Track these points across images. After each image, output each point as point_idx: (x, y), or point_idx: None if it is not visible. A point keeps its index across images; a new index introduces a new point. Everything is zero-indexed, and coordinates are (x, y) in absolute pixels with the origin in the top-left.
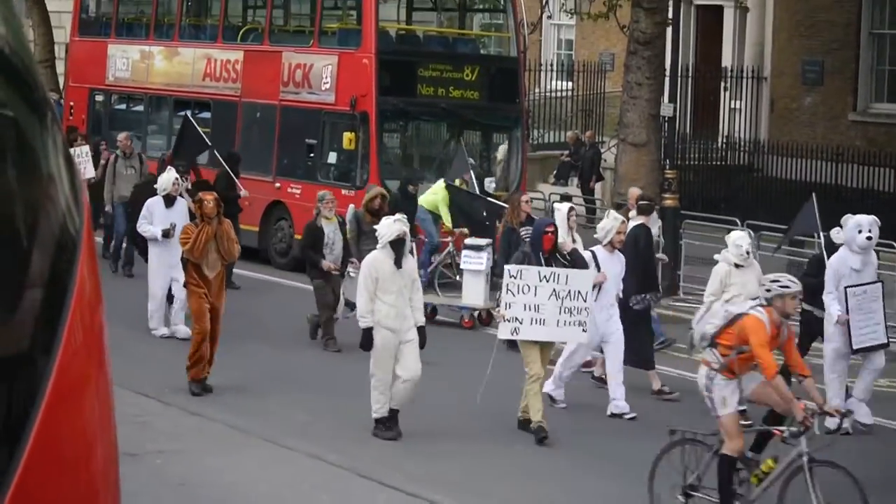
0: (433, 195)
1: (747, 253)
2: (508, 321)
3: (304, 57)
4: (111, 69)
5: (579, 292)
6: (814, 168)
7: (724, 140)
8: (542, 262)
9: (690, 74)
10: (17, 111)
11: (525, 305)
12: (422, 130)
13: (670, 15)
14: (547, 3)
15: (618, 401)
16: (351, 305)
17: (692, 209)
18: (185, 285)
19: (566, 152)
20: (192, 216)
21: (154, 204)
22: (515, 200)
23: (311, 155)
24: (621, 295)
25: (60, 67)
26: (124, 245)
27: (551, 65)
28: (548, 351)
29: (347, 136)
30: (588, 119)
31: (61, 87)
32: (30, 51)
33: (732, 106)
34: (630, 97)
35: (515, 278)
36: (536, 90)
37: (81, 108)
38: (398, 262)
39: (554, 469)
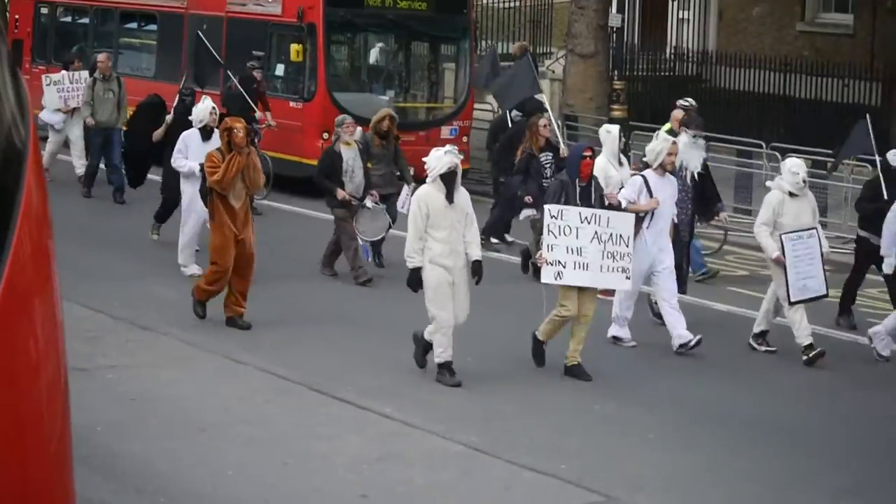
0: None
1: (804, 182)
2: (551, 264)
3: None
4: None
5: (621, 236)
6: (762, 78)
7: (673, 51)
8: (580, 190)
9: None
10: None
11: (567, 248)
12: (370, 42)
13: None
14: None
15: (678, 329)
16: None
17: (641, 120)
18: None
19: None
20: None
21: (190, 137)
22: (534, 124)
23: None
24: (676, 220)
25: None
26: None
27: None
28: (591, 293)
29: (295, 48)
30: (536, 30)
31: (5, 1)
32: None
33: (680, 16)
34: (578, 7)
35: (556, 218)
36: (484, 1)
37: (26, 21)
38: (450, 197)
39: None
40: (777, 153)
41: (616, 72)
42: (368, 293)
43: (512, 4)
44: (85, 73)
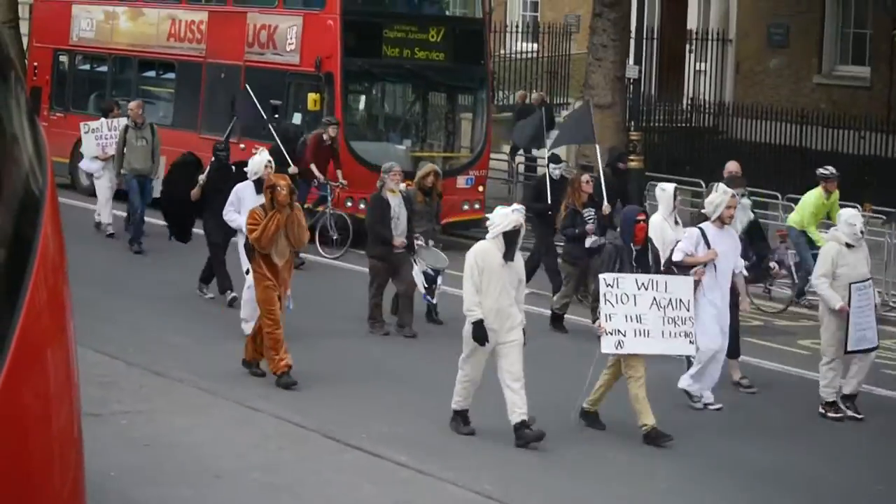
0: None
1: (861, 233)
2: (611, 334)
3: (269, 18)
4: (75, 29)
5: (680, 300)
6: (778, 130)
7: (690, 102)
8: (635, 254)
9: (656, 36)
10: None
11: (626, 316)
12: (387, 91)
13: None
14: None
15: (706, 391)
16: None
17: (657, 171)
18: (246, 272)
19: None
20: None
21: (243, 189)
22: (576, 180)
23: (276, 116)
24: (737, 270)
25: (25, 28)
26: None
27: (517, 26)
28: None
29: (312, 98)
30: (553, 80)
31: (25, 47)
32: None
33: (698, 68)
34: (595, 59)
35: (612, 286)
36: (502, 51)
37: (45, 68)
38: (508, 256)
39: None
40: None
41: (633, 123)
42: (382, 342)
43: (529, 55)
44: (123, 121)
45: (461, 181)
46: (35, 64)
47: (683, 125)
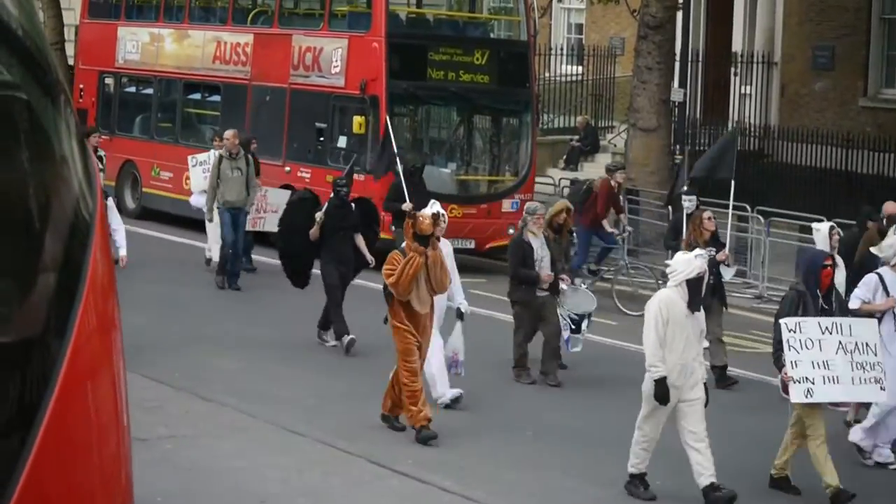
0: None
1: None
2: (798, 382)
3: (314, 40)
4: (121, 52)
5: (867, 344)
6: (824, 153)
7: (735, 125)
8: (821, 300)
9: (701, 59)
10: (30, 94)
11: (813, 363)
12: (432, 114)
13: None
14: None
15: (883, 448)
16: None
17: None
18: (385, 320)
19: (576, 137)
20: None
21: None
22: (697, 217)
23: (321, 139)
24: None
25: (70, 50)
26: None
27: (561, 49)
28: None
29: (357, 120)
30: (598, 103)
31: (71, 69)
32: (43, 33)
33: (743, 91)
34: (640, 82)
35: (795, 332)
36: (546, 74)
37: (91, 90)
38: (693, 306)
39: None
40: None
41: (678, 146)
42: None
43: (574, 78)
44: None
45: (506, 205)
46: (81, 86)
47: None
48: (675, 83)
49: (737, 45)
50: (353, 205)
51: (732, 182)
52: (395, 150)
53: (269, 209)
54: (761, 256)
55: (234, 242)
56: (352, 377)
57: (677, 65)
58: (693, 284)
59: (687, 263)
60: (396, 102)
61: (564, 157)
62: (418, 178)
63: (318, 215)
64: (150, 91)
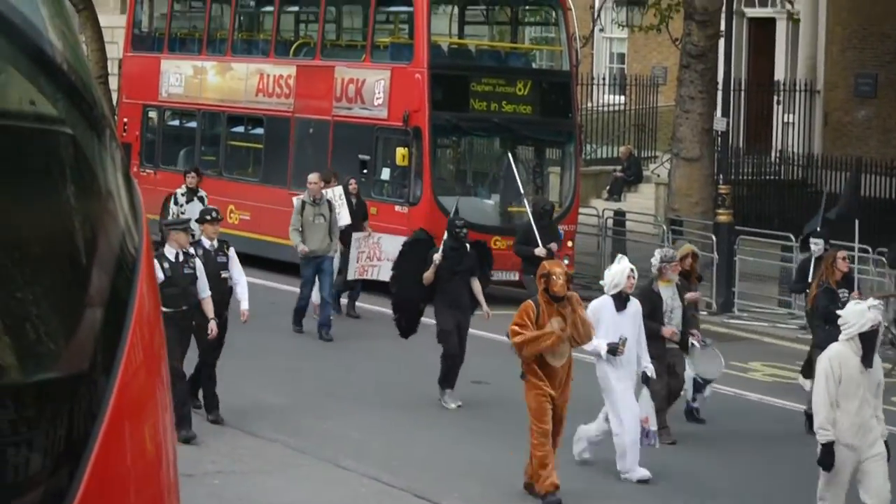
0: None
1: None
2: None
3: (357, 72)
4: (164, 85)
5: None
6: (868, 182)
7: (778, 154)
8: None
9: (743, 88)
10: (75, 128)
11: None
12: (475, 145)
13: (722, 28)
14: (599, 16)
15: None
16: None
17: (746, 224)
18: (521, 376)
19: (619, 167)
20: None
21: (602, 307)
22: (830, 257)
23: (364, 171)
24: None
25: (114, 83)
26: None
27: (604, 79)
28: None
29: (400, 152)
30: (641, 133)
31: (115, 103)
32: (88, 67)
33: (785, 120)
34: (683, 111)
35: None
36: (589, 104)
37: (135, 124)
38: (867, 361)
39: None
40: (882, 258)
41: (721, 175)
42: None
43: (617, 108)
44: (339, 190)
45: None
46: (125, 119)
47: (772, 178)
48: (718, 112)
49: (779, 73)
50: (468, 247)
51: (857, 222)
52: (521, 188)
53: (382, 257)
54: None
55: (322, 289)
56: (392, 413)
57: (720, 94)
58: (867, 338)
59: (859, 315)
60: (439, 134)
61: (608, 187)
62: (548, 221)
63: (436, 256)
64: (193, 124)
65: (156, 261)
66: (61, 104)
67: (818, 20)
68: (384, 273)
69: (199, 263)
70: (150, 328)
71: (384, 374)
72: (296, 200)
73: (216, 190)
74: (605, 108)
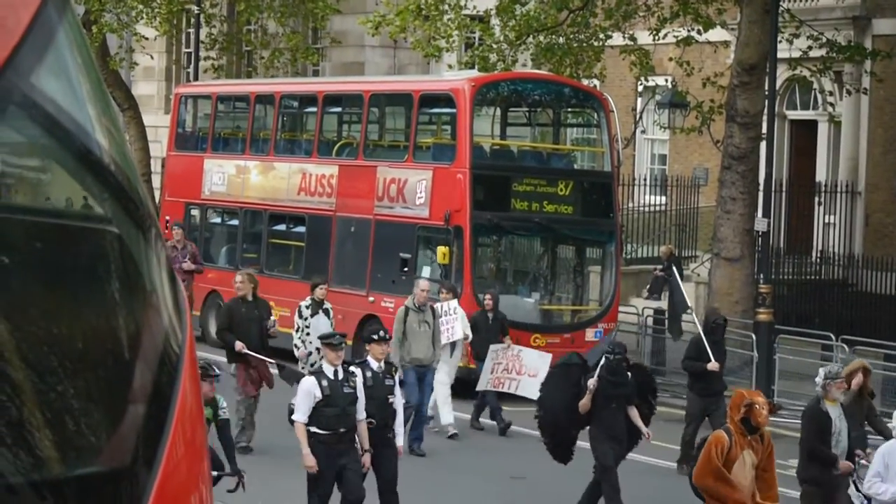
0: None
1: None
2: None
3: (399, 171)
4: (207, 183)
5: None
6: None
7: (819, 255)
8: None
9: (784, 189)
10: (121, 227)
11: None
12: (515, 244)
13: (764, 130)
14: (641, 117)
15: None
16: None
17: (786, 324)
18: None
19: (659, 267)
20: None
21: (891, 452)
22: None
23: (405, 269)
24: None
25: (156, 181)
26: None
27: (645, 179)
28: None
29: (441, 251)
30: (682, 233)
31: (157, 201)
32: (134, 167)
33: (826, 220)
34: (724, 212)
35: None
36: (630, 204)
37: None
38: None
39: None
40: None
41: (762, 275)
42: None
43: (658, 208)
44: (454, 303)
45: (590, 334)
46: (167, 217)
47: (812, 278)
48: (759, 213)
49: (820, 174)
50: (628, 373)
51: None
52: (687, 300)
53: (524, 371)
54: None
55: (420, 404)
56: None
57: (761, 194)
58: None
59: None
60: (480, 233)
61: (648, 286)
62: (720, 336)
63: (591, 382)
64: (235, 222)
65: (313, 378)
66: (108, 204)
67: (860, 122)
68: (522, 388)
69: (359, 383)
70: (192, 423)
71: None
72: (400, 309)
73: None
74: (646, 209)
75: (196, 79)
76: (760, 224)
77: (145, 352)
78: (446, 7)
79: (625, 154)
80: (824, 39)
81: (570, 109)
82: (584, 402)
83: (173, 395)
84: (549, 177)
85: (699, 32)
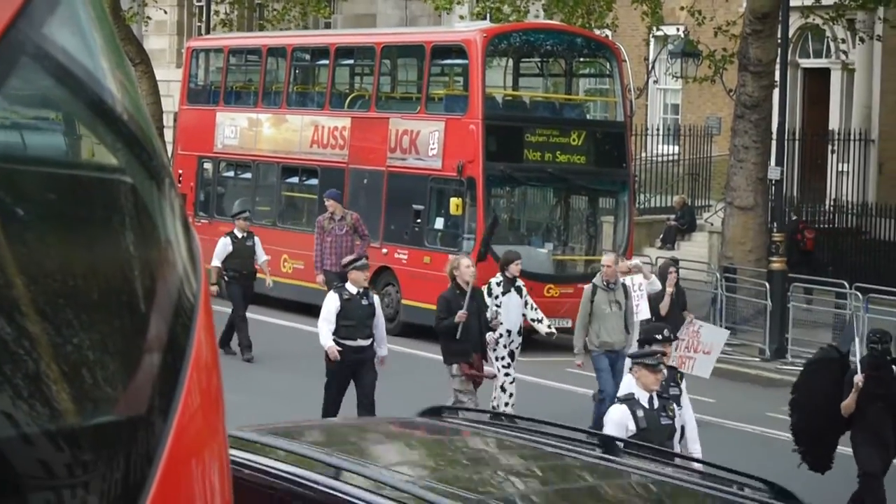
0: None
1: None
2: None
3: (411, 123)
4: (219, 137)
5: None
6: None
7: (832, 203)
8: None
9: (797, 137)
10: (135, 178)
11: None
12: (528, 195)
13: (777, 78)
14: (653, 67)
15: None
16: None
17: (799, 272)
18: None
19: (673, 216)
20: None
21: None
22: None
23: (418, 221)
24: None
25: (168, 135)
26: None
27: (657, 129)
28: None
29: (454, 202)
30: (695, 182)
31: (170, 155)
32: (148, 117)
33: (840, 169)
34: (737, 161)
35: None
36: (643, 154)
37: (190, 175)
38: None
39: None
40: None
41: (775, 224)
42: None
43: (671, 158)
44: (640, 279)
45: None
46: (180, 171)
47: (826, 226)
48: (772, 161)
49: (833, 122)
50: (893, 366)
51: None
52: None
53: (700, 348)
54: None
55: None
56: None
57: (774, 143)
58: None
59: None
60: (493, 184)
61: (661, 236)
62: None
63: (858, 378)
64: (248, 175)
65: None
66: (121, 154)
67: (873, 70)
68: (698, 367)
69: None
70: (207, 372)
71: None
72: (586, 288)
73: (270, 239)
74: (659, 158)
75: (208, 32)
76: (773, 172)
77: (160, 302)
78: None
79: (637, 104)
80: None
81: (582, 59)
82: (849, 402)
83: (188, 345)
84: (562, 127)
85: None
